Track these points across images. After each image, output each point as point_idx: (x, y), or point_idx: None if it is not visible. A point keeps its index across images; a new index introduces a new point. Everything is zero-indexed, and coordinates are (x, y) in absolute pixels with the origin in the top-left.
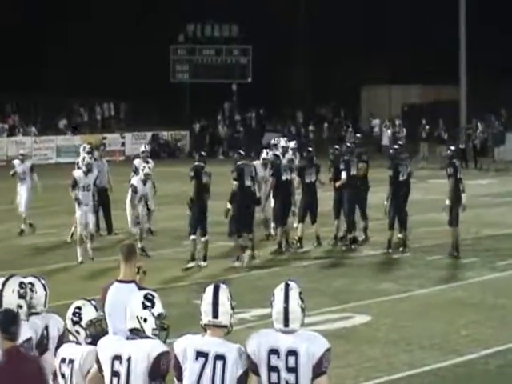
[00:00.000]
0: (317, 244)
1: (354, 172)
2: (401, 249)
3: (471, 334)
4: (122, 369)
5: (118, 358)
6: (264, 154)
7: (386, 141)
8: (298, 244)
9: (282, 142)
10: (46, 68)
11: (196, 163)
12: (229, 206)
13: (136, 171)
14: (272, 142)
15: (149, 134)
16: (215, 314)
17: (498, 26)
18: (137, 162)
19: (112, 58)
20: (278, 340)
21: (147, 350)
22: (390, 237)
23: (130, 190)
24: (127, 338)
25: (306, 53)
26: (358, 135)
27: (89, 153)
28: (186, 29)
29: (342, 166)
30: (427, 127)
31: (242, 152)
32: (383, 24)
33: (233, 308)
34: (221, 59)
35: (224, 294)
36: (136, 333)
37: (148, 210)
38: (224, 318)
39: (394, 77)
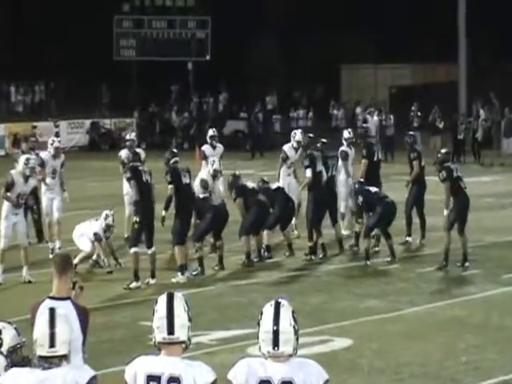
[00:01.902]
0: (289, 253)
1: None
2: (388, 259)
3: (472, 361)
4: None
5: None
6: (216, 165)
7: (372, 132)
8: (266, 253)
9: (298, 135)
10: None
11: (131, 163)
12: (163, 213)
13: (124, 166)
14: (211, 132)
15: (87, 122)
16: (171, 330)
17: None
18: (123, 154)
19: (44, 31)
20: (268, 369)
21: (75, 378)
22: (368, 246)
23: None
24: (43, 368)
25: (275, 25)
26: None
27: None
28: None
29: (306, 163)
30: (419, 114)
31: (174, 150)
32: None
33: (190, 319)
34: (174, 33)
35: (179, 303)
36: (51, 360)
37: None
38: (181, 332)
39: (379, 53)
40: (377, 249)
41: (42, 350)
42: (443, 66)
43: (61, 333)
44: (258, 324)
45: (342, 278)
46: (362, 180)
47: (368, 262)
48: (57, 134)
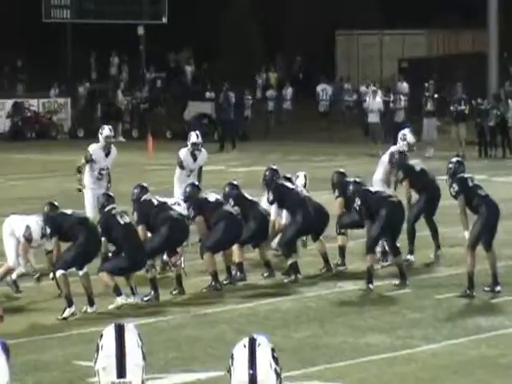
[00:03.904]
0: (267, 274)
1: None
2: (396, 281)
3: None
4: None
5: None
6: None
7: (374, 117)
8: (238, 273)
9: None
10: None
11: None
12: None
13: (90, 162)
14: (193, 138)
15: (9, 103)
16: (121, 372)
17: None
18: (94, 149)
19: None
20: None
21: None
22: (371, 264)
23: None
24: None
25: None
26: None
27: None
28: None
29: (271, 197)
30: (435, 95)
31: (110, 194)
32: None
33: (144, 357)
34: None
35: (131, 338)
36: None
37: None
38: (134, 374)
39: (386, 17)
40: (384, 264)
41: None
42: (468, 33)
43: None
44: (229, 372)
45: (336, 306)
46: (358, 180)
47: (371, 286)
48: None
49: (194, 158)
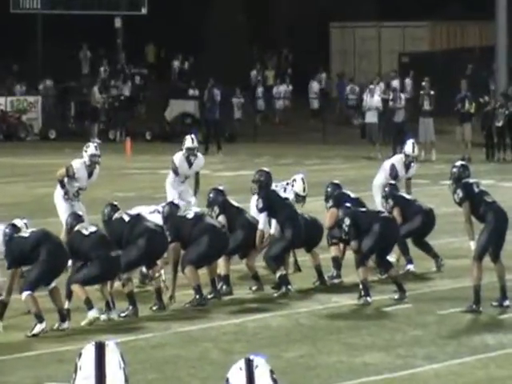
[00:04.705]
0: (256, 287)
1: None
2: (395, 296)
3: None
4: None
5: None
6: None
7: (371, 117)
8: (224, 287)
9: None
10: None
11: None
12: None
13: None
14: (188, 143)
15: None
16: None
17: None
18: (78, 167)
19: None
20: None
21: None
22: (365, 277)
23: None
24: None
25: None
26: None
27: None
28: None
29: (260, 204)
30: (432, 92)
31: (80, 213)
32: None
33: (127, 379)
34: None
35: (113, 358)
36: None
37: None
38: None
39: (385, 7)
40: (382, 276)
41: None
42: (475, 26)
43: None
44: None
45: (330, 322)
46: (352, 195)
47: (368, 299)
48: None
49: (190, 163)
